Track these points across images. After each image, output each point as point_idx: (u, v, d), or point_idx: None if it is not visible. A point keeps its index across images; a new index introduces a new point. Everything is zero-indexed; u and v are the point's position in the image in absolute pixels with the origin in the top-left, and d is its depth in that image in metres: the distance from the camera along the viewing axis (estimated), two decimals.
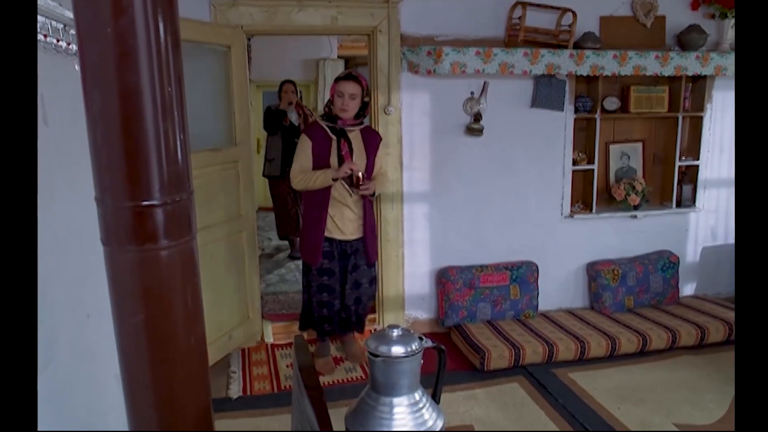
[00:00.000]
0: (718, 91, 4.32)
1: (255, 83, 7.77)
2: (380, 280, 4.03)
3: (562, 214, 4.18)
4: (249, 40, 7.12)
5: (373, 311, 4.18)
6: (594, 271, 4.22)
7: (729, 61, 4.05)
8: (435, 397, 1.48)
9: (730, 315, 4.02)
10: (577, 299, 4.34)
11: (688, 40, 4.08)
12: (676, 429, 3.00)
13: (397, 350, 1.26)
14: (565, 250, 4.24)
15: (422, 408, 1.27)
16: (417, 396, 1.28)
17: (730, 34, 4.15)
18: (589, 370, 3.63)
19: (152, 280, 1.04)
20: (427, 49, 3.64)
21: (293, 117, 5.27)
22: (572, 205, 4.21)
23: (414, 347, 1.27)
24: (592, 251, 4.29)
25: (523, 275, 4.05)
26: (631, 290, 4.21)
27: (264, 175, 5.46)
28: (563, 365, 3.65)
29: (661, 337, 3.80)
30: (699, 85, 4.30)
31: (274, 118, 5.31)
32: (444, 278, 3.98)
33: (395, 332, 1.31)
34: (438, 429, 1.26)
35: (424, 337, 1.35)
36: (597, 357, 3.73)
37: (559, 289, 4.27)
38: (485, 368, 3.52)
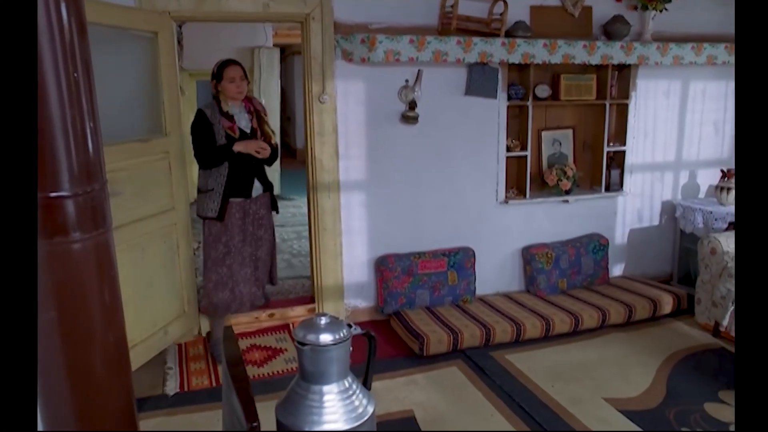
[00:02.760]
0: (642, 80, 4.49)
1: (188, 72, 7.56)
2: (319, 270, 4.02)
3: (497, 200, 4.26)
4: (180, 27, 6.95)
5: (312, 300, 4.16)
6: (529, 254, 4.33)
7: (651, 51, 4.21)
8: (366, 383, 1.48)
9: (655, 293, 4.21)
10: (513, 283, 4.44)
11: (613, 30, 4.22)
12: (605, 403, 3.13)
13: (325, 338, 1.26)
14: (500, 235, 4.33)
15: (352, 395, 1.27)
16: (347, 383, 1.28)
17: (651, 25, 4.31)
18: (525, 351, 3.73)
19: (64, 275, 1.00)
20: (361, 37, 3.63)
21: (242, 120, 3.37)
22: (507, 191, 4.30)
23: (342, 335, 1.27)
24: (526, 236, 4.40)
25: (460, 261, 4.12)
26: (564, 272, 4.34)
27: (198, 215, 3.47)
28: (500, 348, 3.74)
29: (592, 316, 3.95)
30: (624, 73, 4.45)
31: (210, 142, 3.30)
32: (382, 266, 4.00)
33: (323, 320, 1.30)
34: (369, 414, 1.26)
35: (353, 325, 1.35)
36: (532, 338, 3.84)
37: (495, 273, 4.36)
38: (424, 353, 3.57)
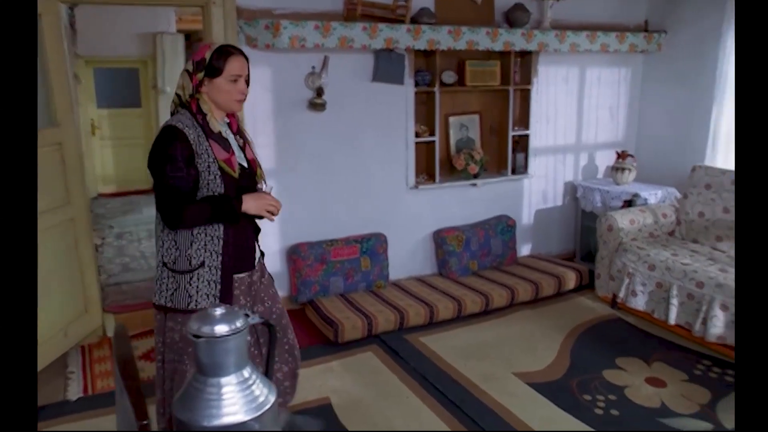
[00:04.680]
0: (542, 66, 4.67)
1: (84, 58, 7.15)
2: None
3: (407, 185, 4.31)
4: (72, 9, 6.54)
5: None
6: (440, 238, 4.42)
7: (550, 38, 4.37)
8: (267, 373, 1.46)
9: (560, 270, 4.41)
10: (426, 266, 4.52)
11: (514, 17, 4.35)
12: (515, 377, 3.26)
13: (221, 329, 1.22)
14: (412, 220, 4.39)
15: (252, 385, 1.25)
16: (246, 373, 1.26)
17: (549, 14, 4.47)
18: (438, 332, 3.81)
19: None
20: (265, 23, 3.55)
21: (235, 148, 2.28)
22: (417, 176, 4.36)
23: (238, 324, 1.24)
24: (437, 219, 4.48)
25: (372, 247, 4.14)
26: (474, 254, 4.46)
27: (171, 307, 2.29)
28: (414, 330, 3.80)
29: (502, 295, 4.08)
30: (526, 60, 4.60)
31: (192, 185, 2.19)
32: (295, 255, 3.96)
33: (218, 311, 1.27)
34: (270, 403, 1.24)
35: (250, 314, 1.33)
36: (445, 320, 3.93)
37: (408, 257, 4.42)
38: (339, 340, 3.57)
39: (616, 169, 4.79)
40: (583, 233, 5.01)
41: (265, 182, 2.38)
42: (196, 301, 2.16)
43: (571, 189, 5.05)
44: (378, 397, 3.08)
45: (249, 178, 2.28)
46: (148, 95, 7.86)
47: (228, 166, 2.15)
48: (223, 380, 1.21)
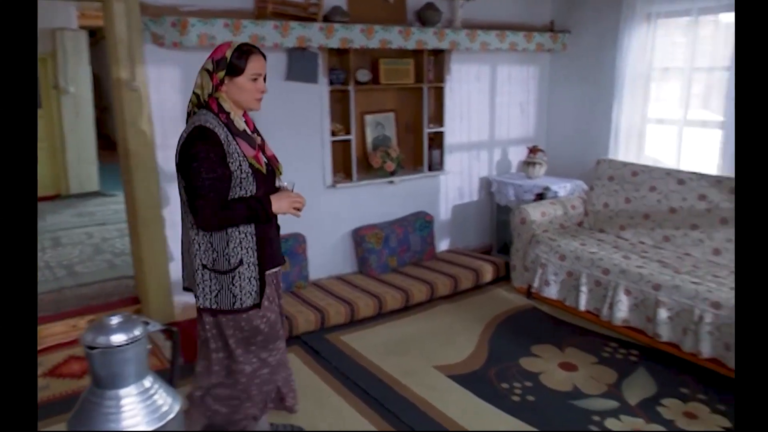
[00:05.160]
0: (455, 64, 4.76)
1: None
2: (142, 268, 3.78)
3: (324, 184, 4.29)
4: None
5: (137, 301, 3.91)
6: (359, 236, 4.43)
7: (461, 37, 4.47)
8: (171, 381, 1.41)
9: (478, 264, 4.52)
10: (346, 265, 4.52)
11: (426, 17, 4.42)
12: (435, 371, 3.31)
13: (118, 338, 1.17)
14: (330, 219, 4.37)
15: (154, 394, 1.20)
16: (147, 383, 1.21)
17: (460, 13, 4.57)
18: (359, 330, 3.82)
19: None
20: (171, 20, 3.43)
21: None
22: (334, 174, 4.34)
23: (137, 333, 1.19)
24: (356, 218, 4.49)
25: (291, 247, 4.10)
26: (393, 251, 4.50)
27: (216, 309, 2.34)
28: (336, 329, 3.80)
29: (421, 291, 4.14)
30: (439, 58, 4.68)
31: (227, 185, 2.22)
32: None
33: (114, 320, 1.21)
34: (174, 412, 1.20)
35: (150, 321, 1.28)
36: (366, 317, 3.94)
37: (328, 257, 4.40)
38: None
39: (527, 164, 4.96)
40: (498, 227, 5.16)
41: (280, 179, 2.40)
42: (241, 299, 2.20)
43: (486, 184, 5.19)
44: (300, 399, 3.04)
45: (271, 175, 2.30)
46: (49, 96, 7.42)
47: (257, 162, 2.18)
48: (122, 392, 1.16)
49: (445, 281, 4.26)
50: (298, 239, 4.15)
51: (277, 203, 2.23)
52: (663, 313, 3.36)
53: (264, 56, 2.22)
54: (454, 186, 5.02)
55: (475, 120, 5.04)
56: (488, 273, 4.50)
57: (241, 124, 2.20)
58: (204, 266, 2.20)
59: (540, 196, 4.71)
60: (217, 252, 2.18)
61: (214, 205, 2.08)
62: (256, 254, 2.22)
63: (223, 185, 2.11)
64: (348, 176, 4.40)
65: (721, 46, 4.18)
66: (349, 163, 4.36)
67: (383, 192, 4.59)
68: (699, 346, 3.21)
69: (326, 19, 3.96)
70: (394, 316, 4.02)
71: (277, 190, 2.35)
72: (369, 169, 4.51)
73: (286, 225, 4.16)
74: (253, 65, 2.17)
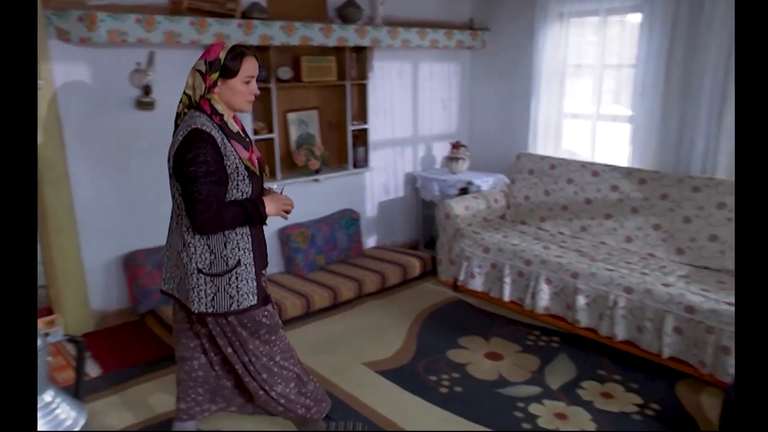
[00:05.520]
0: (377, 61, 4.78)
1: None
2: (55, 277, 3.59)
3: None
4: None
5: (50, 312, 3.71)
6: (285, 235, 4.38)
7: (382, 34, 4.49)
8: (77, 393, 1.35)
9: (405, 259, 4.56)
10: (272, 265, 4.44)
11: (347, 13, 4.41)
12: (364, 367, 3.32)
13: None
14: None
15: (56, 409, 1.14)
16: (48, 397, 1.15)
17: (381, 10, 4.60)
18: (287, 330, 3.73)
19: None
20: (78, 14, 3.26)
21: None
22: None
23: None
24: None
25: None
26: (320, 249, 4.48)
27: (217, 313, 2.33)
28: None
29: (350, 288, 4.14)
30: (361, 55, 4.69)
31: (224, 186, 2.21)
32: (131, 263, 3.72)
33: None
34: (80, 425, 1.15)
35: (50, 332, 1.22)
36: (294, 317, 3.90)
37: None
38: None
39: (451, 159, 5.05)
40: (424, 222, 5.23)
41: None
42: (238, 301, 2.20)
43: (411, 180, 5.25)
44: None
45: (260, 177, 2.30)
46: None
47: (251, 164, 2.19)
48: None
49: (373, 278, 4.28)
50: None
51: (269, 206, 2.25)
52: (581, 300, 3.51)
53: (256, 58, 2.21)
54: (379, 183, 5.05)
55: (399, 117, 5.08)
56: (415, 268, 4.55)
57: (234, 125, 2.19)
58: (199, 270, 2.16)
59: (464, 191, 4.81)
60: (215, 254, 2.16)
61: (214, 209, 2.06)
62: (251, 255, 2.22)
63: (222, 188, 2.10)
64: (272, 175, 4.33)
65: (627, 44, 4.39)
66: (273, 162, 4.30)
67: (308, 190, 4.55)
68: (614, 329, 3.37)
69: (245, 15, 3.88)
70: (323, 315, 4.00)
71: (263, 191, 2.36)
72: (293, 168, 4.47)
73: None
74: (247, 67, 2.15)
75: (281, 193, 2.38)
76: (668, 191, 3.79)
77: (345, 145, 4.69)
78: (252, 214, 2.17)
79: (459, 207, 4.37)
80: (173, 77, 3.74)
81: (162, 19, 3.46)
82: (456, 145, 5.07)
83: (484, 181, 4.88)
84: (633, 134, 4.35)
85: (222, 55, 2.11)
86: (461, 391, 3.08)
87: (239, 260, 2.19)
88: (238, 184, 2.15)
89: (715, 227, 3.56)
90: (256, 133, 4.17)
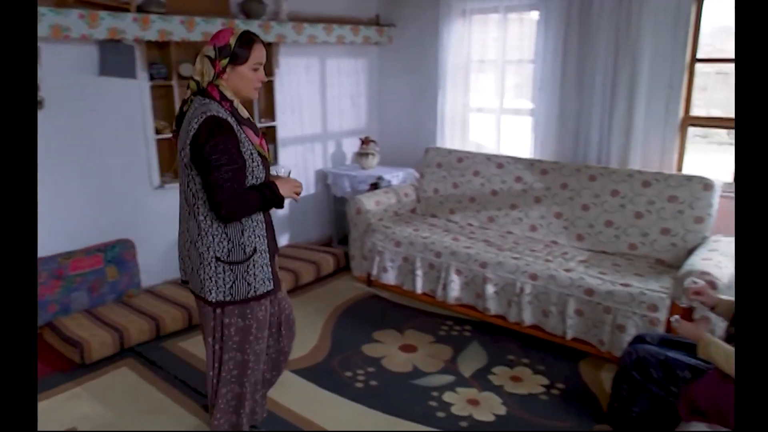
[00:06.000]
0: (284, 57, 4.72)
1: None
2: None
3: (152, 185, 4.05)
4: None
5: None
6: None
7: (287, 30, 4.44)
8: None
9: (318, 256, 4.54)
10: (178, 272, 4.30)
11: (250, 8, 4.32)
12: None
13: None
14: (161, 220, 4.13)
15: None
16: None
17: (285, 6, 4.54)
18: (198, 335, 3.66)
19: None
20: None
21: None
22: (162, 175, 4.11)
23: None
24: None
25: (119, 254, 3.82)
26: None
27: (230, 301, 2.30)
28: (173, 336, 3.62)
29: None
30: (267, 51, 4.60)
31: (243, 172, 2.24)
32: None
33: None
34: None
35: None
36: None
37: (161, 261, 4.17)
38: (86, 361, 3.24)
39: (361, 155, 5.07)
40: (337, 218, 5.23)
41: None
42: (255, 287, 2.21)
43: (322, 176, 5.22)
44: (137, 415, 2.86)
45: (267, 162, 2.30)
46: None
47: (263, 149, 2.20)
48: None
49: (286, 276, 4.23)
50: (126, 245, 3.88)
51: (282, 189, 2.24)
52: (490, 289, 3.62)
53: (264, 45, 2.20)
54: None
55: (307, 113, 5.04)
56: (329, 265, 4.54)
57: (244, 112, 2.17)
58: (218, 258, 2.15)
59: (374, 186, 4.84)
60: (233, 242, 2.16)
61: (239, 196, 2.08)
62: (266, 241, 2.24)
63: (242, 175, 2.10)
64: (177, 176, 4.18)
65: (527, 41, 4.57)
66: (176, 164, 4.14)
67: None
68: (522, 315, 3.51)
69: (141, 9, 3.72)
70: None
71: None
72: None
73: (112, 231, 3.91)
74: (256, 54, 2.15)
75: (288, 176, 2.42)
76: (568, 181, 3.99)
77: None
78: (271, 198, 2.18)
79: (370, 202, 4.40)
80: (64, 75, 3.57)
81: (47, 10, 3.26)
82: (366, 141, 5.10)
83: (395, 176, 4.94)
84: (534, 127, 4.54)
85: (232, 41, 2.10)
86: (377, 385, 3.11)
87: (255, 247, 2.20)
88: (253, 170, 2.15)
89: (611, 213, 3.78)
90: (158, 132, 4.02)
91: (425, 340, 3.60)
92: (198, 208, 2.15)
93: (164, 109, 4.09)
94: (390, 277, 4.17)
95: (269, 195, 2.17)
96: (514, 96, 4.82)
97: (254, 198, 2.13)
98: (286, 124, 4.83)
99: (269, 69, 4.61)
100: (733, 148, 3.96)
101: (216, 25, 3.98)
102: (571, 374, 3.22)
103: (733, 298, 2.30)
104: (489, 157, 4.40)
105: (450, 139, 5.02)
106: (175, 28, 3.79)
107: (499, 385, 3.11)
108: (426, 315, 3.95)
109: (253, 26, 4.21)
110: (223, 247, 2.15)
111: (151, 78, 3.93)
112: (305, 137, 5.05)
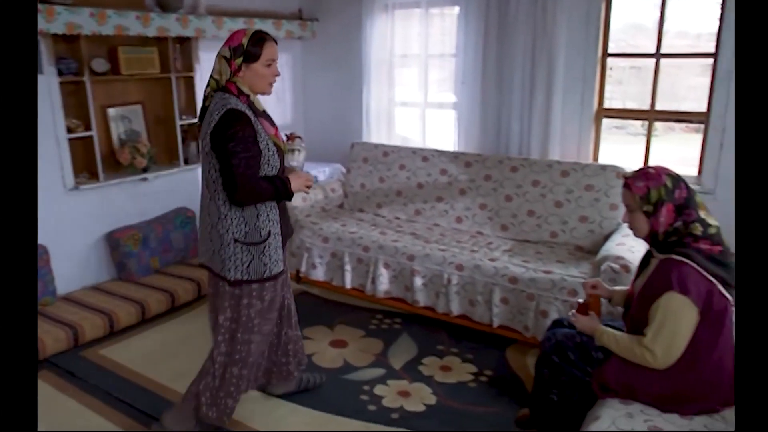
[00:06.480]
0: (204, 53, 4.58)
1: None
2: None
3: (65, 187, 3.85)
4: None
5: None
6: (113, 240, 4.08)
7: (207, 24, 4.32)
8: None
9: None
10: (102, 272, 4.14)
11: (166, 2, 4.17)
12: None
13: None
14: (76, 224, 3.95)
15: None
16: None
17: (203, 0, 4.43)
18: (121, 341, 3.54)
19: None
20: None
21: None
22: (76, 176, 3.92)
23: None
24: (108, 220, 4.12)
25: None
26: (155, 251, 4.23)
27: (246, 280, 2.48)
28: (92, 345, 3.47)
29: (188, 290, 3.97)
30: (186, 46, 4.47)
31: (258, 163, 2.40)
32: None
33: None
34: None
35: None
36: (129, 326, 3.67)
37: (78, 267, 3.98)
38: None
39: (287, 151, 4.99)
40: None
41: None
42: (270, 268, 2.41)
43: None
44: (58, 428, 2.73)
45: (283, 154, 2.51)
46: None
47: (278, 140, 2.42)
48: None
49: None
50: (39, 251, 3.68)
51: (293, 183, 2.43)
52: (418, 281, 3.67)
53: (276, 42, 2.37)
54: None
55: None
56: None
57: (260, 105, 2.38)
58: (236, 240, 2.34)
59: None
60: (249, 225, 2.35)
61: (249, 182, 2.26)
62: (279, 226, 2.43)
63: (256, 163, 2.29)
64: (94, 176, 4.01)
65: (448, 35, 4.64)
66: (94, 162, 3.97)
67: (137, 190, 4.27)
68: (450, 306, 3.57)
69: (45, 0, 3.52)
70: (161, 320, 3.80)
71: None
72: (118, 167, 4.17)
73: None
74: (268, 51, 2.33)
75: (302, 170, 2.60)
76: (491, 172, 4.08)
77: (175, 141, 4.46)
78: (282, 190, 2.36)
79: (297, 199, 4.35)
80: None
81: None
82: (291, 137, 4.97)
83: (321, 171, 4.91)
84: (458, 120, 4.62)
85: (245, 41, 2.29)
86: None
87: (270, 230, 2.39)
88: (268, 160, 2.35)
89: (532, 203, 3.90)
90: (70, 131, 3.82)
91: (356, 335, 3.61)
92: (218, 193, 2.33)
93: (76, 107, 3.89)
94: (319, 273, 4.15)
95: (281, 187, 2.36)
96: (437, 90, 4.89)
97: (266, 187, 2.32)
98: None
99: (188, 65, 4.48)
100: (645, 139, 4.17)
101: (129, 18, 3.83)
102: (498, 361, 3.31)
103: (625, 288, 2.43)
104: (414, 151, 4.45)
105: (376, 134, 5.04)
106: (84, 21, 3.61)
107: (429, 375, 3.15)
108: (356, 310, 3.96)
109: (170, 20, 4.07)
110: (241, 229, 2.35)
111: (60, 73, 3.74)
112: None
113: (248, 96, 2.32)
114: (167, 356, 3.35)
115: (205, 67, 4.61)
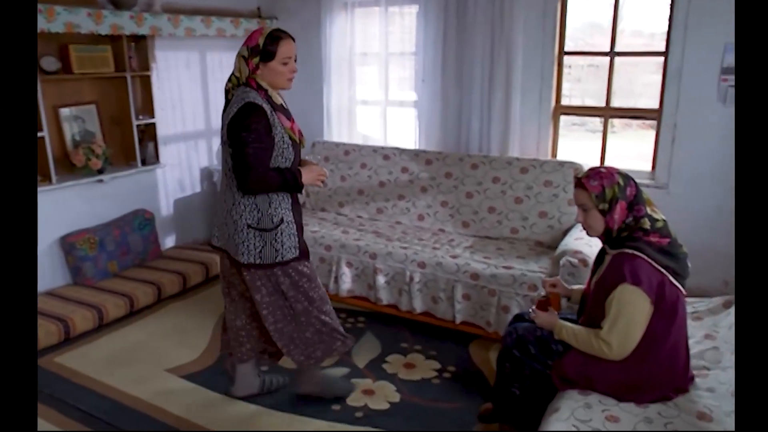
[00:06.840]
0: (161, 51, 4.50)
1: None
2: None
3: None
4: None
5: None
6: (68, 244, 3.96)
7: (163, 22, 4.23)
8: None
9: (207, 256, 4.40)
10: (56, 277, 4.01)
11: None
12: (168, 374, 3.15)
13: None
14: None
15: None
16: None
17: None
18: (77, 348, 3.45)
19: None
20: None
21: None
22: None
23: None
24: (61, 224, 4.00)
25: None
26: (112, 255, 4.13)
27: (263, 263, 2.59)
28: (47, 352, 3.37)
29: (147, 293, 3.89)
30: (141, 45, 4.37)
31: (270, 154, 2.52)
32: None
33: None
34: None
35: None
36: (85, 331, 3.58)
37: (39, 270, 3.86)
38: None
39: None
40: None
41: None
42: (282, 254, 2.51)
43: (207, 174, 5.05)
44: None
45: (299, 147, 2.58)
46: None
47: (293, 133, 2.48)
48: None
49: (173, 279, 4.06)
50: None
51: (306, 175, 2.51)
52: (381, 279, 3.67)
53: (293, 39, 2.47)
54: (173, 179, 4.79)
55: (189, 109, 4.85)
56: (218, 265, 4.39)
57: (278, 99, 2.48)
58: (249, 226, 2.47)
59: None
60: (261, 212, 2.47)
61: (260, 172, 2.37)
62: (292, 214, 2.54)
63: (267, 154, 2.40)
64: (46, 178, 3.88)
65: (408, 33, 4.65)
66: (46, 164, 3.85)
67: (92, 192, 4.17)
68: (413, 303, 3.58)
69: None
70: (119, 325, 3.71)
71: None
72: (72, 169, 4.05)
73: None
74: (284, 50, 2.42)
75: (317, 164, 2.65)
76: (451, 170, 4.11)
77: (131, 141, 4.36)
78: (290, 181, 2.45)
79: None
80: None
81: None
82: None
83: None
84: (418, 118, 4.64)
85: (261, 41, 2.40)
86: (271, 384, 3.06)
87: (282, 218, 2.50)
88: (283, 151, 2.45)
89: (492, 200, 3.94)
90: None
91: None
92: (233, 180, 2.45)
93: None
94: None
95: (290, 179, 2.45)
96: (398, 88, 4.90)
97: (275, 177, 2.42)
98: (166, 121, 4.62)
99: (144, 64, 4.39)
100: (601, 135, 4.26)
101: (80, 15, 3.72)
102: (461, 357, 3.33)
103: (582, 286, 2.49)
104: (375, 149, 4.45)
105: (337, 132, 5.03)
106: None
107: (393, 373, 3.16)
108: None
109: (124, 18, 3.98)
110: (254, 216, 2.47)
111: None
112: (188, 134, 4.86)
113: (266, 90, 2.43)
114: (126, 362, 3.28)
115: (162, 66, 4.53)
